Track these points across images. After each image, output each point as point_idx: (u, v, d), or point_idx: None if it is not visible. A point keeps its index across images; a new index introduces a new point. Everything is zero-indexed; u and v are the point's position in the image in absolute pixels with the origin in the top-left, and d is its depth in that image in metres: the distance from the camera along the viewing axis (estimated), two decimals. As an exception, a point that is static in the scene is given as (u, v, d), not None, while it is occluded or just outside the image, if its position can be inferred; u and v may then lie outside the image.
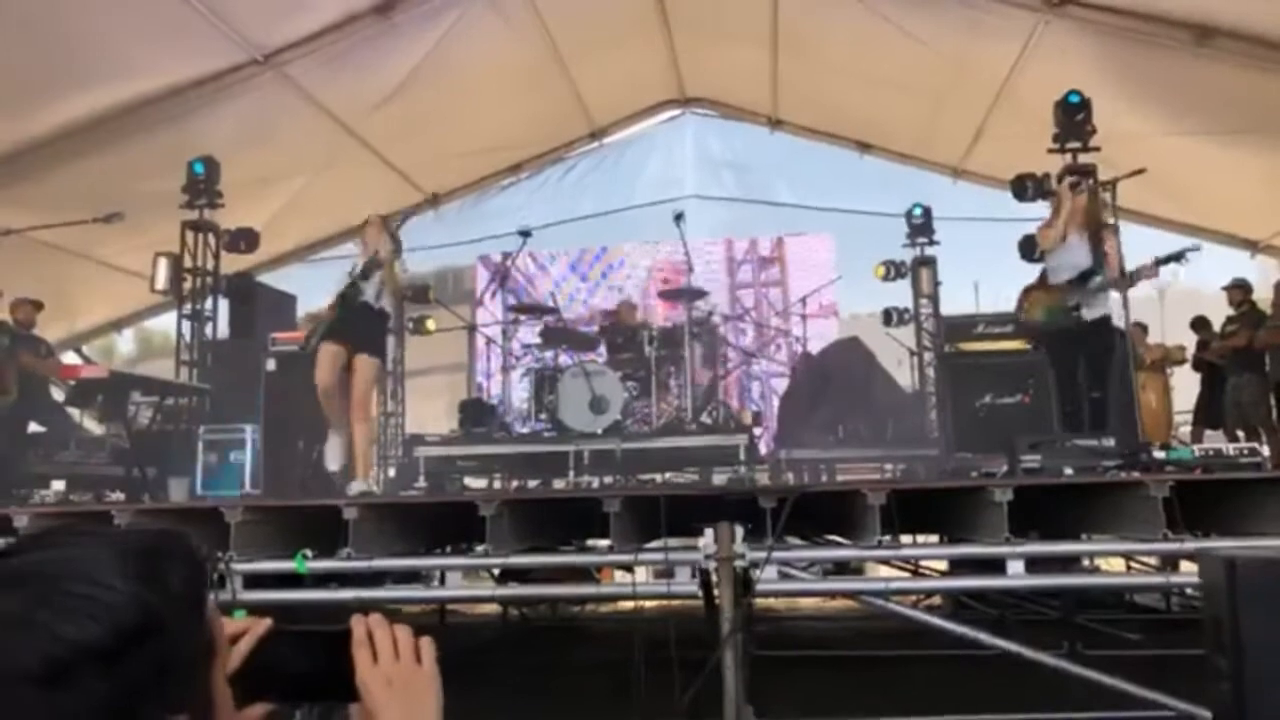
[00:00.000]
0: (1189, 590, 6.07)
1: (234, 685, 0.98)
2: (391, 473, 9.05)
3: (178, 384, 8.11)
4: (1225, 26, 7.30)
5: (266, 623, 1.04)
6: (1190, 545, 3.10)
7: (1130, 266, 5.57)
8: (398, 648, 1.04)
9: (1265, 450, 4.85)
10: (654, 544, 3.51)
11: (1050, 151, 7.73)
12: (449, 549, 4.41)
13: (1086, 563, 6.10)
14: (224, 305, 8.90)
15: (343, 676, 1.03)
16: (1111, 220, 5.80)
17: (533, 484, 7.48)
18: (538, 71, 9.78)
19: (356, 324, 5.51)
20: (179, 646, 0.80)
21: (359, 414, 5.49)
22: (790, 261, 11.64)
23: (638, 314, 8.74)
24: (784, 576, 3.35)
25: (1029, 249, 7.01)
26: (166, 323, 10.81)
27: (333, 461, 5.71)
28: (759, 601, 6.07)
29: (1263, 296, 8.78)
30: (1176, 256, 5.46)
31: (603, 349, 8.29)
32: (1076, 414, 5.59)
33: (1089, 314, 5.67)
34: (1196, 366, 9.10)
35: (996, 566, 3.54)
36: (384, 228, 5.77)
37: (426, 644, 1.06)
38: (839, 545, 3.74)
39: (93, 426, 7.42)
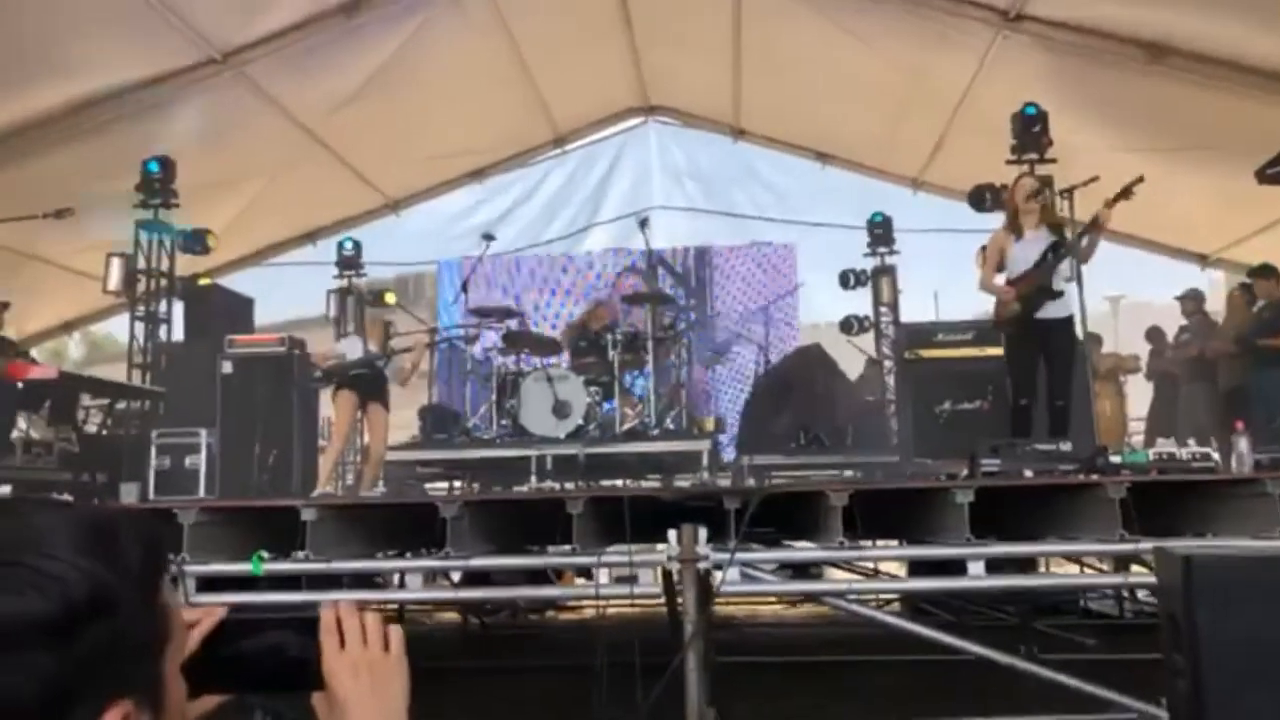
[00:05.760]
0: (1141, 596, 6.18)
1: (185, 675, 0.95)
2: (350, 479, 8.94)
3: (130, 386, 7.94)
4: (1177, 45, 7.46)
5: (221, 610, 1.02)
6: (1147, 545, 3.14)
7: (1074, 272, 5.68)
8: (366, 635, 1.02)
9: (1216, 456, 4.93)
10: (617, 547, 3.48)
11: (1008, 163, 7.86)
12: (409, 554, 4.35)
13: (1043, 569, 6.18)
14: (179, 308, 8.74)
15: (307, 663, 1.01)
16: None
17: (495, 490, 7.42)
18: (501, 77, 9.74)
19: (368, 382, 7.08)
20: (130, 627, 0.77)
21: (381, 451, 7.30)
22: (752, 270, 11.69)
23: (608, 313, 8.68)
24: (747, 579, 3.35)
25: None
26: (117, 326, 10.65)
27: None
28: (720, 609, 6.07)
29: (1214, 309, 8.99)
30: (1124, 193, 5.45)
31: (565, 354, 8.25)
32: (1028, 411, 5.56)
33: (1057, 312, 5.64)
34: (1150, 376, 9.28)
35: (957, 572, 3.57)
36: (387, 330, 7.51)
37: (395, 632, 1.05)
38: (801, 548, 3.75)
39: (38, 431, 7.22)
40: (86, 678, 0.73)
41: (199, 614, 1.00)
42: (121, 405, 7.54)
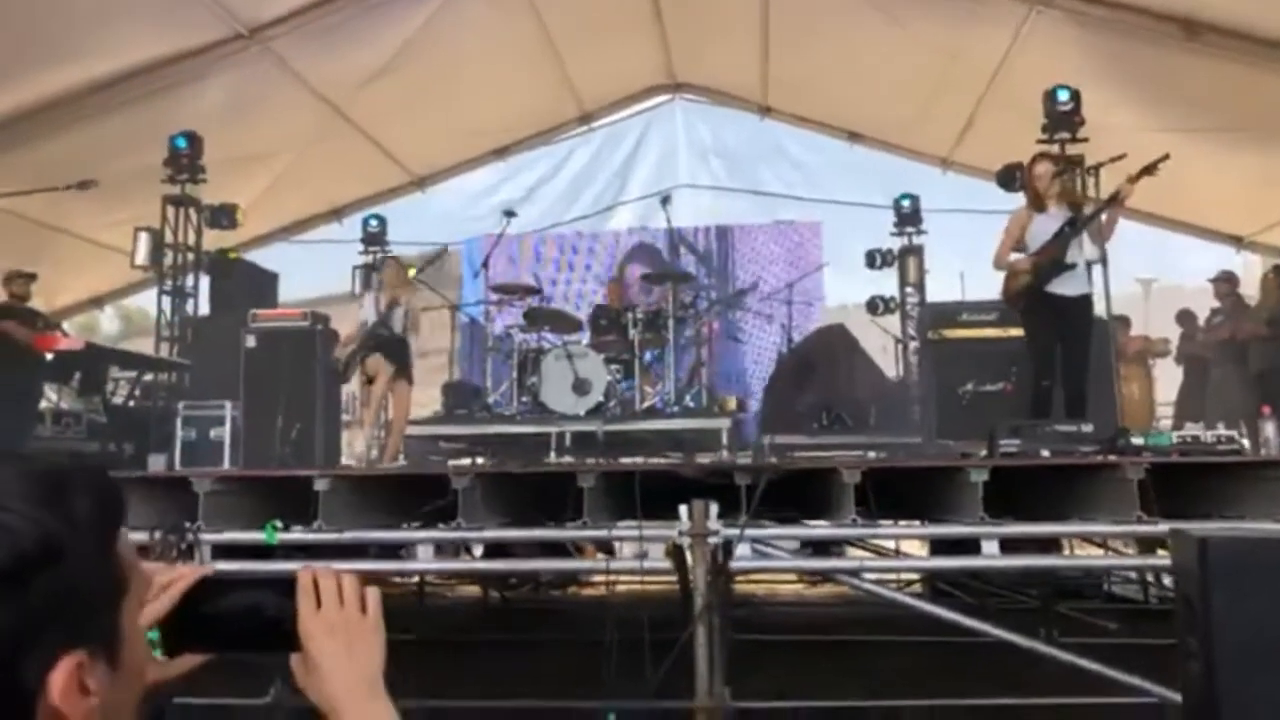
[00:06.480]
0: (1166, 580, 6.09)
1: (163, 633, 0.96)
2: (374, 453, 9.01)
3: (157, 359, 8.04)
4: (1213, 21, 7.28)
5: (201, 570, 1.02)
6: (1163, 527, 3.09)
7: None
8: (343, 596, 1.02)
9: (1245, 442, 4.84)
10: (628, 522, 3.48)
11: (1039, 142, 7.71)
12: (423, 526, 4.37)
13: (1067, 552, 6.10)
14: (205, 282, 8.83)
15: (283, 624, 1.00)
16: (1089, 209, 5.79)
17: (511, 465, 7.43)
18: (527, 54, 9.70)
19: (393, 349, 6.82)
20: (83, 578, 0.76)
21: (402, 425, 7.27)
22: (777, 248, 11.60)
23: (619, 288, 8.69)
24: (759, 555, 3.33)
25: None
26: (150, 300, 10.78)
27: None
28: (739, 587, 6.05)
29: (1248, 292, 8.81)
30: (1148, 169, 5.32)
31: (586, 331, 8.25)
32: (1048, 392, 5.46)
33: (1072, 289, 5.55)
34: (1180, 359, 9.14)
35: (976, 551, 3.52)
36: (402, 270, 7.18)
37: (372, 593, 1.05)
38: (816, 525, 3.73)
39: (67, 401, 7.34)
40: (37, 628, 0.73)
41: (177, 572, 1.01)
42: (149, 377, 7.64)
